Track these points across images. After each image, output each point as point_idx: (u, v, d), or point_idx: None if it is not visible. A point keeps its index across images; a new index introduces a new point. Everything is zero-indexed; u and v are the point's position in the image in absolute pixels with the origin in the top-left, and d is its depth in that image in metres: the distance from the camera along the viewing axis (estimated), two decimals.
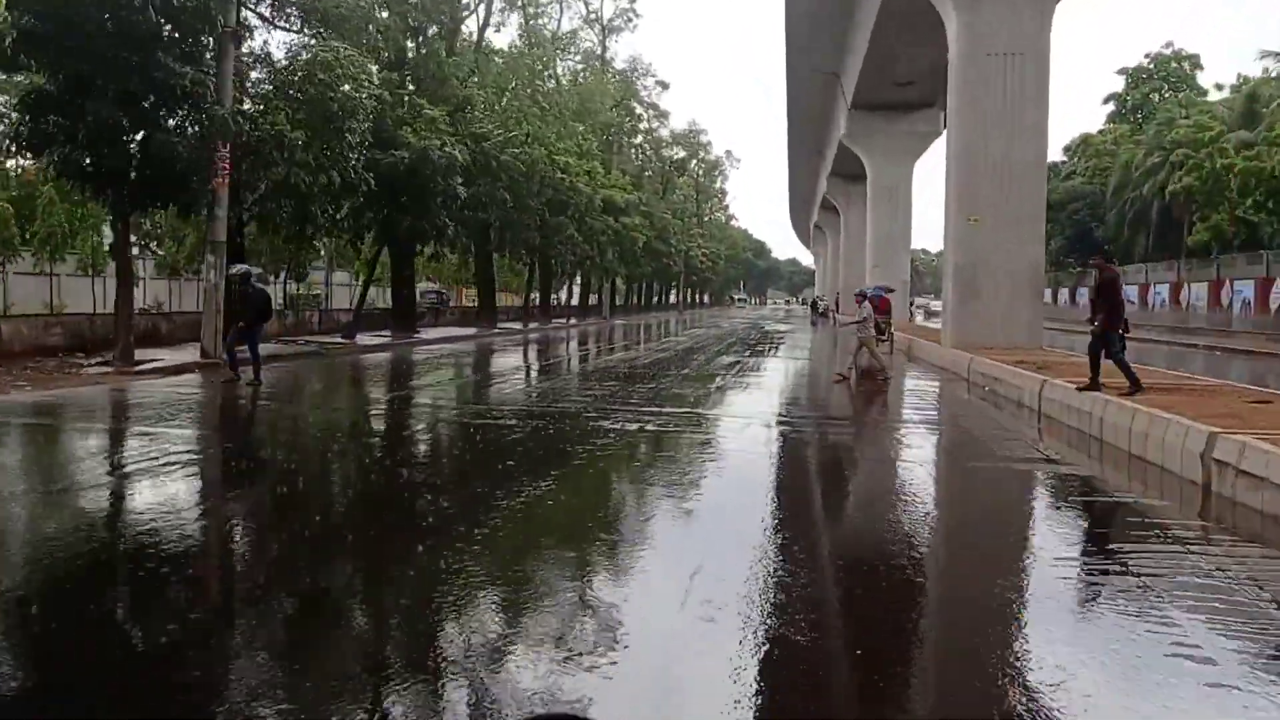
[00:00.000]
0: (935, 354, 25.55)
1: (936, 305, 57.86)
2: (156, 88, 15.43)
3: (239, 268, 15.12)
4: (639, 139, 66.70)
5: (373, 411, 14.42)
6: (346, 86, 19.63)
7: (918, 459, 10.84)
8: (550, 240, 38.96)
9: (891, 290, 34.15)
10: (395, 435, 11.87)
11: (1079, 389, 12.62)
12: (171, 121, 15.88)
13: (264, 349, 22.51)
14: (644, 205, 56.42)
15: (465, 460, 10.18)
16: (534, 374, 20.87)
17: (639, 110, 62.26)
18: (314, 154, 18.68)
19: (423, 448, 11.21)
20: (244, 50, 21.18)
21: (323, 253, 37.93)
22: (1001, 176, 23.96)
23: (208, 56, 17.36)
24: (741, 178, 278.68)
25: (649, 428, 11.69)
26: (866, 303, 20.06)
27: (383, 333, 28.75)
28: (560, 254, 40.90)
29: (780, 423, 12.87)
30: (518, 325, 40.49)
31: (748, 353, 29.01)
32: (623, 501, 8.02)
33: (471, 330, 34.53)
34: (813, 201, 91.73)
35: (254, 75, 21.54)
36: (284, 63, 20.54)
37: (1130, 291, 61.29)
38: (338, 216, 22.49)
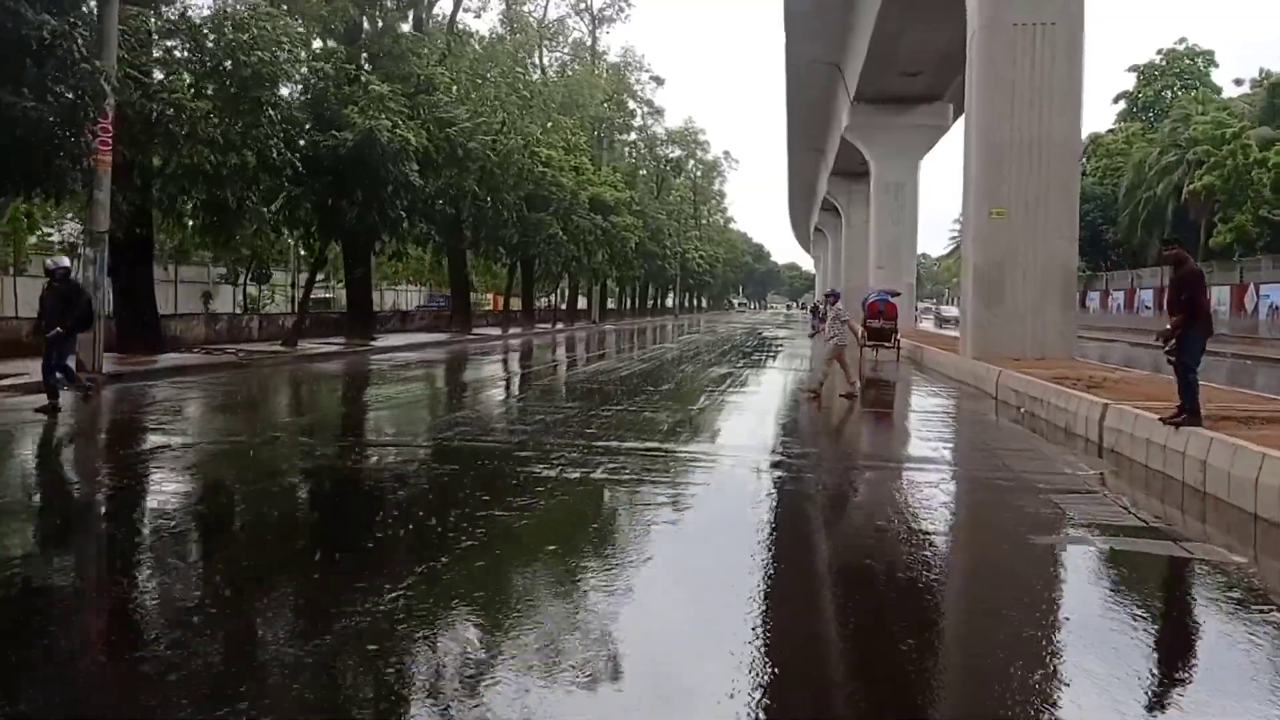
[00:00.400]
0: (953, 365, 22.43)
1: (952, 311, 54.82)
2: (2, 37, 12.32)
3: (54, 262, 11.96)
4: (632, 136, 63.71)
5: (212, 447, 10.25)
6: (268, 53, 16.51)
7: (964, 527, 7.74)
8: (531, 239, 35.84)
9: (897, 294, 30.67)
10: (199, 493, 8.23)
11: (1166, 420, 9.51)
12: (25, 86, 12.72)
13: (180, 358, 19.65)
14: (636, 204, 53.33)
15: (272, 548, 6.35)
16: (484, 391, 17.74)
17: (632, 105, 59.23)
18: (223, 129, 15.58)
19: (213, 520, 7.27)
20: (161, 14, 18.15)
21: (299, 252, 34.87)
22: (1029, 162, 20.87)
23: (85, 8, 14.26)
24: (741, 180, 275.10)
25: (596, 475, 8.58)
26: (839, 304, 16.84)
27: (334, 339, 25.65)
28: (543, 254, 37.76)
29: (774, 464, 9.72)
30: (496, 331, 37.40)
31: (742, 362, 25.96)
32: (482, 670, 4.12)
33: (441, 336, 31.40)
34: (813, 202, 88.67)
35: (170, 43, 18.42)
36: (199, 23, 17.39)
37: (1145, 296, 58.34)
38: (269, 207, 19.36)
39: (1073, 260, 21.47)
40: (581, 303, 55.90)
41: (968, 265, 21.86)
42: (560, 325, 46.72)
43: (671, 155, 69.37)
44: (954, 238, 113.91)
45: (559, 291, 55.84)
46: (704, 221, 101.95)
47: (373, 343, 25.63)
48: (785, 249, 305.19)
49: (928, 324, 54.21)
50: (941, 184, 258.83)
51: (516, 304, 43.05)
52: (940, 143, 48.97)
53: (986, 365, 19.02)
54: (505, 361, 24.66)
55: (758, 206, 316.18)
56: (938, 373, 23.90)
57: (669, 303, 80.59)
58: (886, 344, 26.20)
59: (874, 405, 16.84)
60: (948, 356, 23.44)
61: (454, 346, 28.29)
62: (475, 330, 34.76)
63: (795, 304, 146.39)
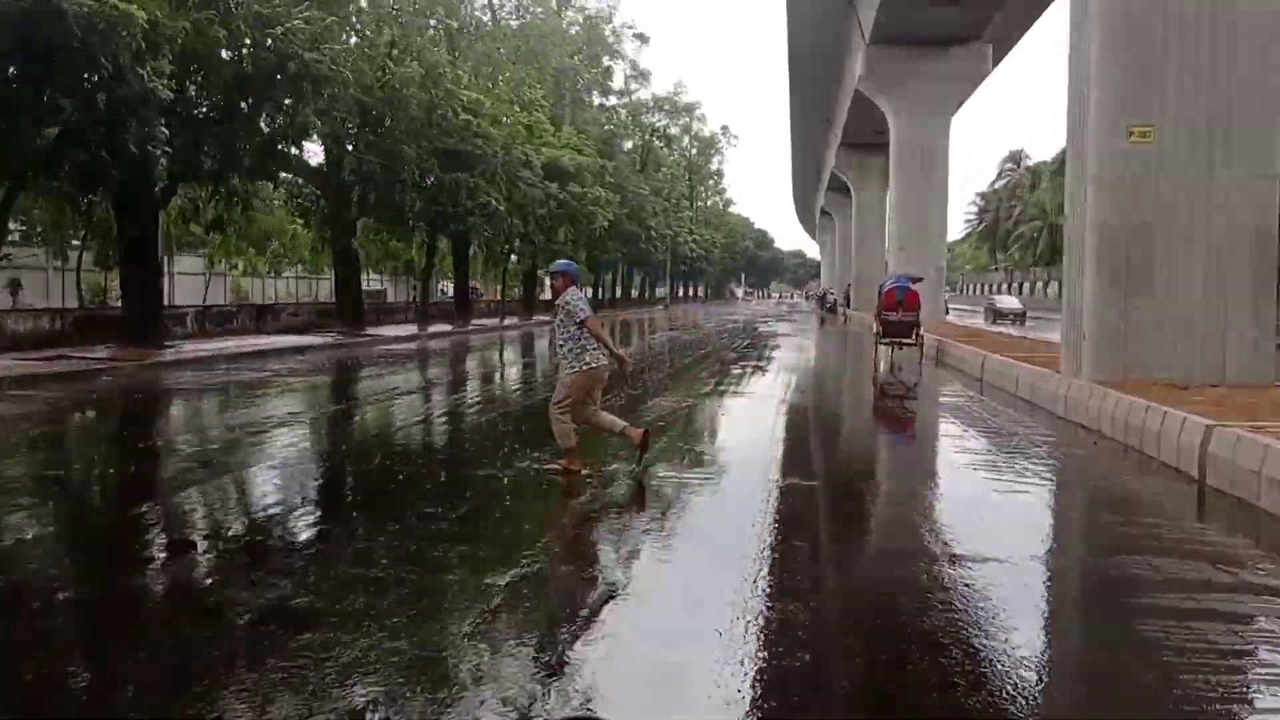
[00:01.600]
0: (1047, 390, 13.13)
1: (1009, 302, 45.78)
2: None
3: None
4: (612, 100, 54.66)
5: None
6: None
7: None
8: (451, 207, 26.82)
9: (918, 280, 23.07)
10: None
11: None
12: None
13: None
14: (611, 175, 44.19)
15: None
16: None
17: (608, 62, 50.03)
18: None
19: None
20: None
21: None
22: (1200, 46, 11.82)
23: None
24: (743, 164, 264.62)
25: None
26: (571, 293, 7.80)
27: (94, 350, 16.70)
28: (475, 228, 28.75)
29: None
30: (408, 330, 28.29)
31: (731, 378, 17.13)
32: None
33: (296, 341, 22.22)
34: (819, 181, 79.28)
35: None
36: None
37: None
38: None
39: (1275, 220, 12.25)
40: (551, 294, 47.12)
41: (1088, 229, 12.70)
42: (510, 320, 37.69)
43: (659, 124, 60.17)
44: (969, 219, 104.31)
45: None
46: (700, 203, 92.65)
47: (159, 354, 16.64)
48: (790, 236, 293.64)
49: (973, 319, 44.60)
50: (953, 148, 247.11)
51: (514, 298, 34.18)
52: (976, 96, 39.64)
53: (1127, 399, 10.00)
54: (315, 393, 15.65)
55: (761, 192, 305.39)
56: (999, 391, 14.86)
57: (659, 292, 71.40)
58: (907, 340, 20.81)
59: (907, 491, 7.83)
60: (1028, 373, 14.28)
61: (274, 365, 18.83)
62: (370, 330, 25.67)
63: (801, 292, 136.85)
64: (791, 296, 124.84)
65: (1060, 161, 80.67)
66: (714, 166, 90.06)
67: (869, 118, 48.26)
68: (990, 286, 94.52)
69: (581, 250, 39.93)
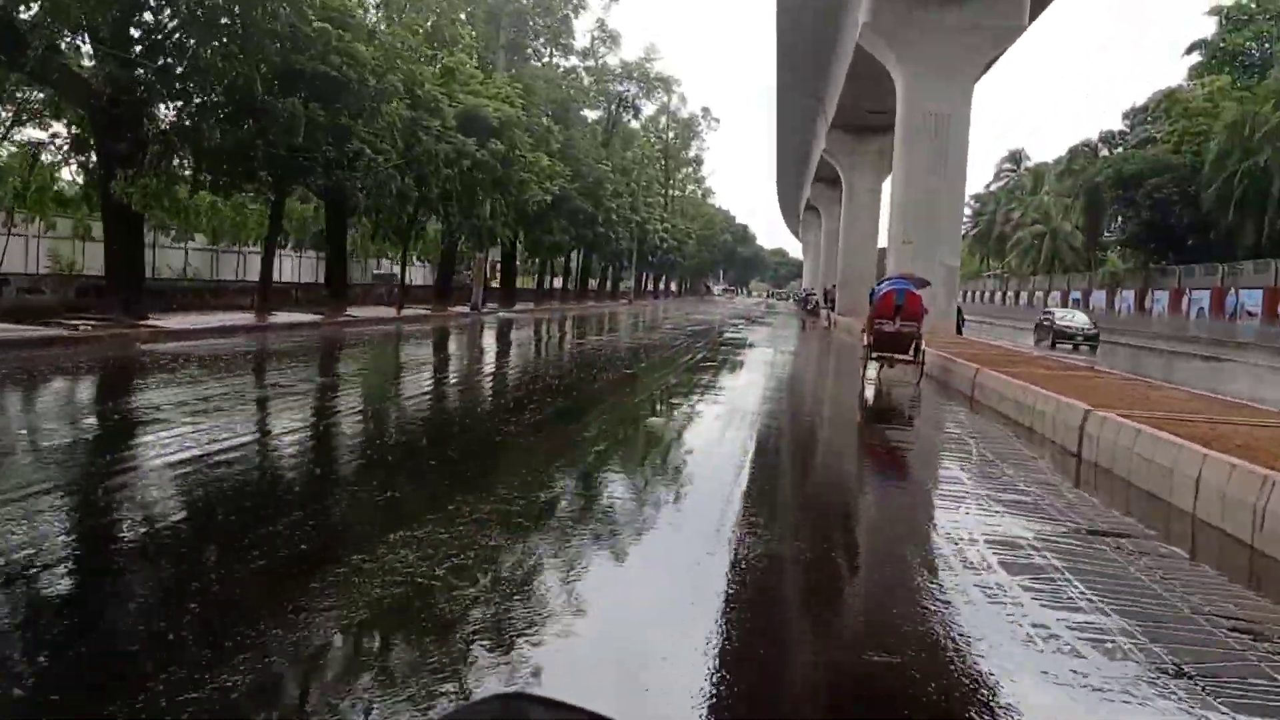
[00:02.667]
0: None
1: (1074, 320, 34.20)
2: None
3: None
4: (572, 60, 46.85)
5: None
6: None
7: None
8: (306, 155, 19.01)
9: (924, 284, 18.52)
10: None
11: None
12: None
13: None
14: (559, 141, 36.42)
15: None
16: None
17: (567, 13, 42.05)
18: None
19: None
20: None
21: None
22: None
23: None
24: (725, 159, 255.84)
25: None
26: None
27: None
28: (337, 183, 20.94)
29: None
30: (213, 320, 20.30)
31: (677, 399, 9.74)
32: None
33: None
34: (805, 171, 71.80)
35: None
36: None
37: (1249, 299, 41.93)
38: None
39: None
40: (560, 279, 39.14)
41: None
42: (418, 312, 29.85)
43: (628, 93, 52.42)
44: (962, 222, 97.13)
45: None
46: (676, 191, 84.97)
47: None
48: (772, 235, 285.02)
49: (1039, 343, 34.55)
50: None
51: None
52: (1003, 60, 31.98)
53: None
54: None
55: (744, 188, 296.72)
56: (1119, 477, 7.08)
57: (625, 284, 63.67)
58: (904, 356, 16.42)
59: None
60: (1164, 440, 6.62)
61: None
62: (155, 320, 17.64)
63: (781, 292, 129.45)
64: (769, 295, 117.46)
65: (1069, 162, 74.20)
66: (693, 153, 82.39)
67: (868, 90, 40.82)
68: (983, 294, 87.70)
69: (510, 228, 32.14)
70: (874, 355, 16.39)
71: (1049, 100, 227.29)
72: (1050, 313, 36.32)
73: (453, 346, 18.94)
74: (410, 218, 25.68)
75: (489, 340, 21.80)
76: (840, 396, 16.61)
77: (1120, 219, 55.64)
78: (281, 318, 21.11)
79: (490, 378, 14.76)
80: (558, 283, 53.70)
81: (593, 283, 59.64)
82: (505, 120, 27.96)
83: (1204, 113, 50.03)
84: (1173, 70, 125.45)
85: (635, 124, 58.01)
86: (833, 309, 49.71)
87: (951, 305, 28.56)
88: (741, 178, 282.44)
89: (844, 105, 45.79)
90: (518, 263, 43.10)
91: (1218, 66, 54.88)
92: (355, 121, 20.13)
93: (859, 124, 49.63)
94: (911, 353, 16.04)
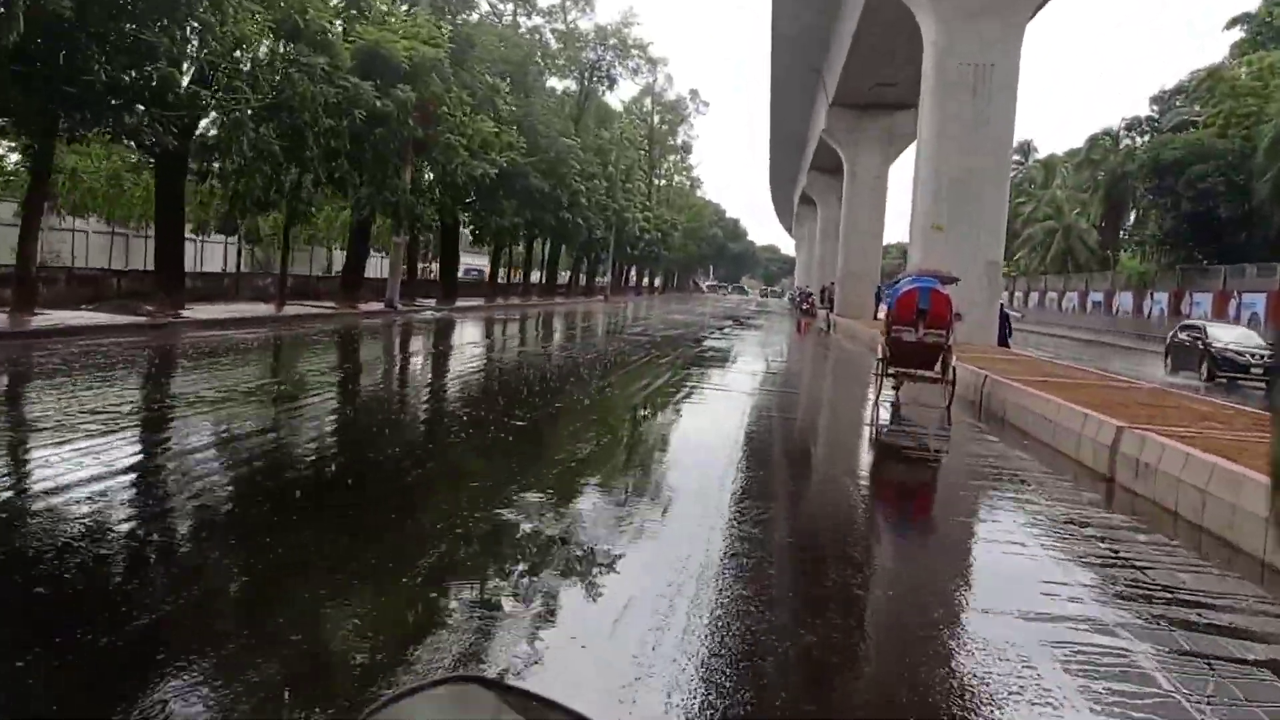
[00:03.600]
0: None
1: (1240, 341, 21.76)
2: None
3: None
4: (535, 20, 40.22)
5: None
6: None
7: None
8: (80, 73, 12.41)
9: (951, 280, 13.67)
10: None
11: None
12: None
13: None
14: (508, 101, 29.91)
15: None
16: None
17: None
18: None
19: None
20: None
21: None
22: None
23: None
24: (716, 153, 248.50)
25: None
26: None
27: None
28: (138, 123, 14.29)
29: None
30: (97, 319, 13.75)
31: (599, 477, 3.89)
32: None
33: None
34: (801, 158, 65.35)
35: None
36: None
37: None
38: None
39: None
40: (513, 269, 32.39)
41: None
42: (319, 309, 23.27)
43: (602, 60, 45.53)
44: None
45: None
46: (662, 181, 78.40)
47: None
48: (765, 232, 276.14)
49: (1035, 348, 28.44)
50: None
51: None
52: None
53: None
54: None
55: (735, 181, 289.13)
56: None
57: (602, 279, 56.87)
58: (928, 373, 12.17)
59: None
60: None
61: None
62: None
63: (773, 289, 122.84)
64: (762, 294, 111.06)
65: (1088, 152, 67.97)
66: (680, 139, 75.79)
67: (876, 57, 34.62)
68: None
69: (440, 206, 25.52)
70: (891, 371, 12.45)
71: (1058, 89, 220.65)
72: (1197, 327, 23.79)
73: (248, 372, 12.29)
74: (288, 185, 19.03)
75: (336, 357, 15.16)
76: (846, 442, 10.24)
77: (1145, 213, 49.44)
78: (59, 317, 14.43)
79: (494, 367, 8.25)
80: (544, 277, 47.05)
81: (576, 276, 53.01)
82: (420, 64, 21.35)
83: (1253, 92, 43.70)
84: (1192, 51, 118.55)
85: (611, 97, 51.44)
86: (832, 309, 43.32)
87: (993, 309, 22.15)
88: (733, 171, 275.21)
89: (848, 76, 39.36)
90: (485, 253, 36.63)
91: (1260, 43, 48.55)
92: (173, 36, 13.55)
93: (864, 100, 43.21)
94: (939, 369, 12.09)
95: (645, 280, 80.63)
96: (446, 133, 23.82)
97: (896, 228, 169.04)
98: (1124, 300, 52.25)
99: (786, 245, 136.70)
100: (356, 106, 19.23)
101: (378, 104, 19.74)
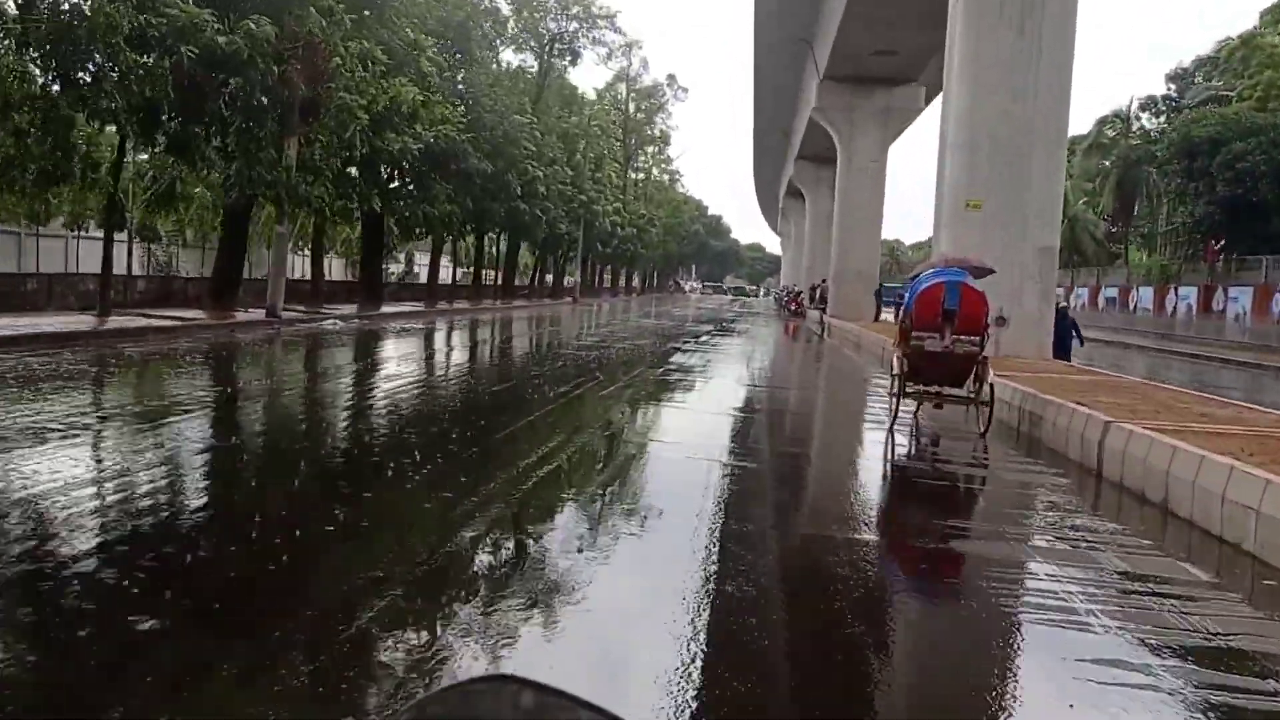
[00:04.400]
0: None
1: None
2: None
3: None
4: None
5: None
6: None
7: None
8: None
9: (986, 272, 10.68)
10: None
11: None
12: None
13: None
14: (433, 61, 24.60)
15: None
16: None
17: None
18: None
19: None
20: None
21: None
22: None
23: None
24: (697, 150, 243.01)
25: None
26: None
27: None
28: None
29: None
30: None
31: None
32: None
33: None
34: (788, 145, 60.15)
35: None
36: None
37: None
38: None
39: None
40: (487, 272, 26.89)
41: None
42: (174, 321, 17.79)
43: (565, 31, 40.01)
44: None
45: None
46: (641, 175, 73.07)
47: None
48: (748, 231, 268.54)
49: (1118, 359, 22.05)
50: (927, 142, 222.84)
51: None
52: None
53: None
54: None
55: (718, 181, 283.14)
56: None
57: (572, 279, 51.31)
58: (958, 392, 9.80)
59: None
60: None
61: None
62: None
63: (757, 288, 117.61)
64: (747, 294, 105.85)
65: (1097, 135, 63.10)
66: (658, 129, 70.41)
67: (877, 25, 29.65)
68: None
69: (330, 187, 19.98)
70: (911, 389, 9.66)
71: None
72: None
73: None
74: (81, 146, 13.54)
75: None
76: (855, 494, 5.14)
77: (1166, 200, 44.51)
78: None
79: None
80: (497, 277, 41.52)
81: (539, 276, 47.51)
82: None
83: None
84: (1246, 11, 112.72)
85: (583, 84, 45.87)
86: (823, 307, 38.14)
87: (1046, 309, 16.90)
88: (715, 167, 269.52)
89: (843, 44, 34.17)
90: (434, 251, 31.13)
91: None
92: None
93: (860, 73, 37.96)
94: (972, 385, 9.43)
95: (622, 280, 75.20)
96: (341, 91, 18.38)
97: (890, 223, 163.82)
98: (1142, 296, 47.25)
99: (772, 244, 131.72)
100: (185, 42, 13.76)
101: (220, 40, 14.27)
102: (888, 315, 37.00)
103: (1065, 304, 21.12)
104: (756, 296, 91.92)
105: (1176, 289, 43.80)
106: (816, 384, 17.26)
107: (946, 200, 17.54)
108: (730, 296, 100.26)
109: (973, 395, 9.52)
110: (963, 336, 9.18)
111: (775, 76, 46.91)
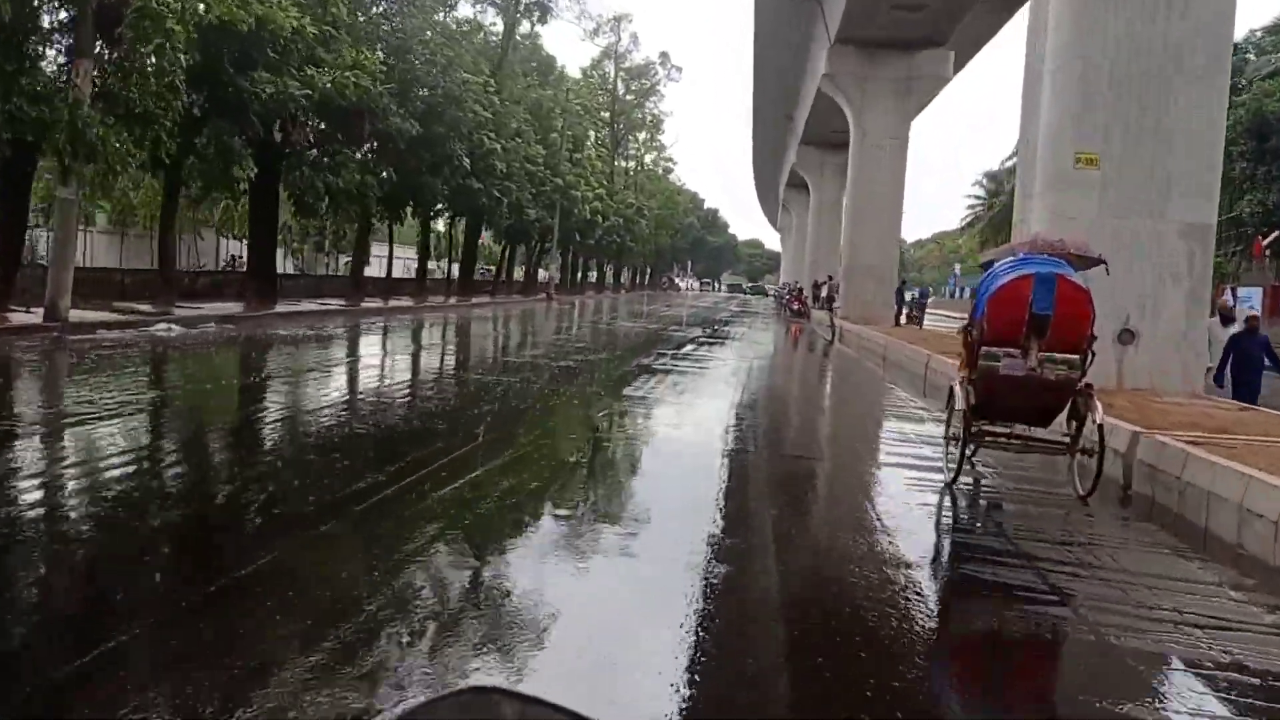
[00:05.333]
0: None
1: None
2: None
3: None
4: None
5: None
6: None
7: None
8: None
9: (1092, 262, 6.92)
10: None
11: None
12: None
13: None
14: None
15: None
16: None
17: None
18: None
19: None
20: None
21: None
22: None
23: None
24: (692, 143, 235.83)
25: None
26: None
27: None
28: None
29: None
30: None
31: None
32: None
33: None
34: (790, 130, 54.30)
35: None
36: None
37: None
38: None
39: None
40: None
41: None
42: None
43: None
44: (971, 206, 79.51)
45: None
46: (632, 163, 67.15)
47: None
48: (746, 227, 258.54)
49: None
50: (939, 127, 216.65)
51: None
52: None
53: None
54: None
55: (715, 176, 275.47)
56: None
57: (546, 273, 45.15)
58: (1052, 438, 6.90)
59: None
60: None
61: None
62: None
63: (749, 285, 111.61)
64: (743, 289, 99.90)
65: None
66: (650, 111, 64.43)
67: None
68: None
69: (128, 126, 13.92)
70: (985, 429, 6.82)
71: None
72: None
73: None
74: None
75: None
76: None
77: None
78: None
79: None
80: (448, 270, 35.67)
81: (505, 269, 41.48)
82: None
83: None
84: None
85: (558, 50, 39.99)
86: (830, 308, 32.25)
87: (1196, 318, 11.09)
88: (712, 160, 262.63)
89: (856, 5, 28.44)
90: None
91: None
92: None
93: (877, 36, 32.13)
94: (1068, 426, 6.81)
95: (611, 276, 69.18)
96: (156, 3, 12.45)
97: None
98: (1248, 297, 41.38)
99: (770, 240, 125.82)
100: None
101: None
102: (929, 321, 31.09)
103: (1252, 310, 15.22)
104: (765, 295, 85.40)
105: (1234, 290, 37.87)
106: (839, 422, 11.37)
107: (1041, 157, 11.67)
108: (728, 293, 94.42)
109: (1070, 440, 6.75)
110: (1058, 355, 6.56)
111: (778, 50, 41.01)
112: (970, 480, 7.17)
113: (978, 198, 77.90)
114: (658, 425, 9.17)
